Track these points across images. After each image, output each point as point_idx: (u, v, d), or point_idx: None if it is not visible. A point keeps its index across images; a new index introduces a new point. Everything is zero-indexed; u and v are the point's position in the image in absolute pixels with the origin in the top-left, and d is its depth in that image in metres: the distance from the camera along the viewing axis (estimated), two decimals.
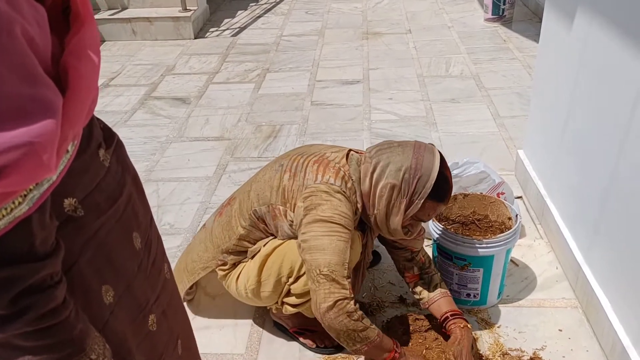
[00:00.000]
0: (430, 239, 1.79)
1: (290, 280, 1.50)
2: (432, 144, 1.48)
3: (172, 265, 1.79)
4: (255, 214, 1.51)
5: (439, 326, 1.64)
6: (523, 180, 2.34)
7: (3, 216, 0.50)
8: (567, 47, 1.84)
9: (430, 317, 1.68)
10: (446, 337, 1.59)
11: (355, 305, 1.37)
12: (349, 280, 1.38)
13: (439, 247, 1.74)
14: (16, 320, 0.54)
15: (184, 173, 2.60)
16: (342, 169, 1.46)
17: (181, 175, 2.58)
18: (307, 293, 1.47)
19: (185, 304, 1.82)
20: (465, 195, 1.83)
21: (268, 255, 1.51)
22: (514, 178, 2.41)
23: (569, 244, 1.84)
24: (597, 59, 1.64)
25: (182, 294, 1.68)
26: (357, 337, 1.37)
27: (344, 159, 1.49)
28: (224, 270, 1.60)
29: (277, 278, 1.51)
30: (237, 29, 4.66)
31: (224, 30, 4.65)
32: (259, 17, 4.97)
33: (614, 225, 1.55)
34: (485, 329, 1.70)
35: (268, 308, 1.68)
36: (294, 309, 1.55)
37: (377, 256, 1.98)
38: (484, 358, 1.60)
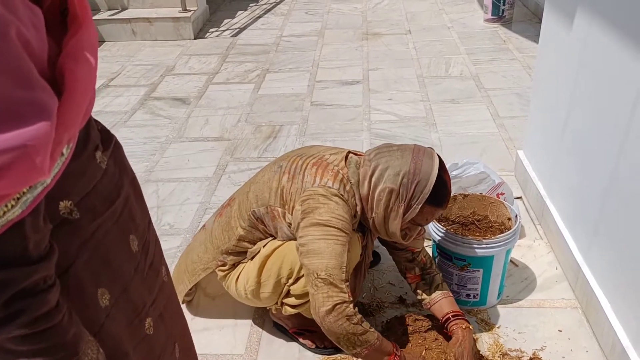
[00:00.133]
0: (430, 240, 1.79)
1: (290, 281, 1.50)
2: (431, 148, 1.48)
3: (172, 267, 1.80)
4: (254, 215, 1.51)
5: (439, 327, 1.63)
6: (523, 181, 2.33)
7: None
8: (567, 48, 1.84)
9: (430, 317, 1.67)
10: (447, 337, 1.59)
11: (354, 308, 1.37)
12: (347, 283, 1.38)
13: (438, 247, 1.74)
14: (8, 323, 0.54)
15: (184, 173, 2.60)
16: (340, 171, 1.46)
17: (181, 176, 2.58)
18: (306, 294, 1.47)
19: (184, 305, 1.82)
20: (465, 196, 1.83)
21: (268, 256, 1.51)
22: (514, 178, 2.41)
23: (568, 244, 1.84)
24: (597, 59, 1.64)
25: (182, 294, 1.68)
26: (356, 340, 1.37)
27: (343, 161, 1.49)
28: (223, 271, 1.60)
29: (277, 279, 1.51)
30: (237, 30, 4.66)
31: (224, 30, 4.65)
32: (259, 17, 4.97)
33: (614, 226, 1.55)
34: (485, 329, 1.70)
35: (268, 309, 1.67)
36: (294, 310, 1.55)
37: (377, 257, 1.98)
38: (483, 358, 1.59)
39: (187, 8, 4.43)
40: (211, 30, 4.65)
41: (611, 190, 1.55)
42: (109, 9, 4.52)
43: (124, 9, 4.53)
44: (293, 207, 1.45)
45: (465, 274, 1.70)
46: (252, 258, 1.55)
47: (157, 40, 4.42)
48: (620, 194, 1.50)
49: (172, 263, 1.88)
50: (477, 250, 1.63)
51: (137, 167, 2.63)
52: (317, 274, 1.35)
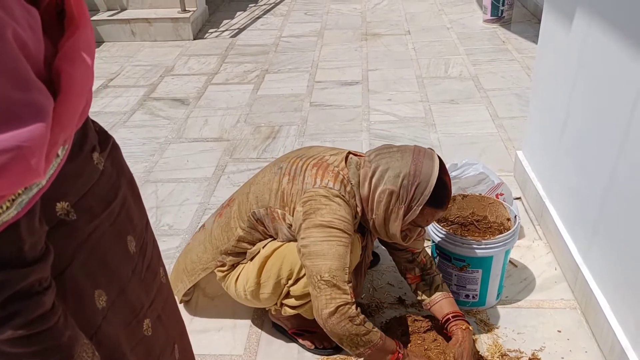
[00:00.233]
0: (430, 240, 1.79)
1: (290, 282, 1.50)
2: (431, 149, 1.48)
3: (171, 267, 1.80)
4: (254, 216, 1.51)
5: (438, 327, 1.63)
6: (522, 181, 2.33)
7: None
8: (566, 48, 1.84)
9: (429, 318, 1.67)
10: (447, 338, 1.59)
11: (356, 309, 1.37)
12: (350, 284, 1.38)
13: (438, 248, 1.74)
14: (3, 325, 0.54)
15: (183, 174, 2.60)
16: (341, 172, 1.46)
17: (180, 176, 2.58)
18: (306, 295, 1.47)
19: (182, 305, 1.82)
20: (464, 196, 1.83)
21: (267, 257, 1.51)
22: (513, 179, 2.41)
23: (567, 245, 1.84)
24: (596, 59, 1.64)
25: (181, 294, 1.68)
26: (359, 341, 1.37)
27: (343, 162, 1.49)
28: (222, 271, 1.60)
29: (277, 280, 1.51)
30: (236, 30, 4.66)
31: (223, 31, 4.65)
32: (258, 18, 4.97)
33: (613, 226, 1.55)
34: (484, 330, 1.70)
35: (267, 309, 1.67)
36: (293, 311, 1.55)
37: (376, 257, 1.98)
38: (482, 359, 1.59)
39: (187, 9, 4.43)
40: (210, 30, 4.65)
41: (610, 190, 1.55)
42: (108, 10, 4.52)
43: (123, 9, 4.53)
44: (294, 209, 1.45)
45: (465, 274, 1.70)
46: (251, 259, 1.55)
47: (156, 41, 4.42)
48: (620, 194, 1.50)
49: (170, 264, 1.88)
50: (476, 250, 1.63)
51: (136, 167, 2.63)
52: (320, 275, 1.35)
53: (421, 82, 3.46)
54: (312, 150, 1.58)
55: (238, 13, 5.10)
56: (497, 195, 1.95)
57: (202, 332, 1.73)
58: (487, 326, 1.71)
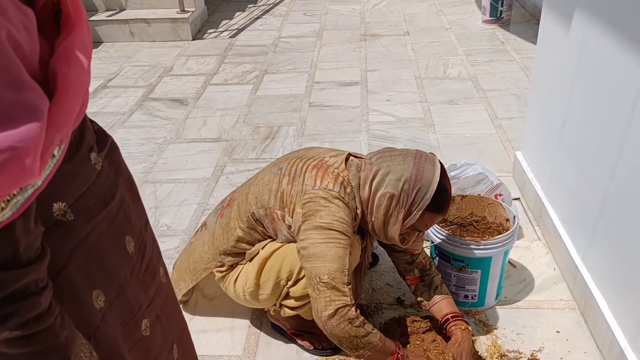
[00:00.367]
0: (429, 241, 1.78)
1: (289, 283, 1.50)
2: (433, 154, 1.48)
3: (169, 268, 1.80)
4: (253, 217, 1.51)
5: (437, 328, 1.63)
6: (521, 182, 2.33)
7: None
8: (565, 49, 1.84)
9: (428, 318, 1.67)
10: (446, 338, 1.59)
11: (356, 311, 1.37)
12: (350, 286, 1.37)
13: (437, 248, 1.74)
14: None
15: (182, 174, 2.59)
16: (341, 174, 1.46)
17: (179, 177, 2.57)
18: (305, 296, 1.47)
19: (181, 306, 1.82)
20: (463, 197, 1.83)
21: (267, 258, 1.51)
22: (512, 179, 2.41)
23: (566, 245, 1.84)
24: (595, 60, 1.64)
25: (181, 293, 1.69)
26: (359, 343, 1.37)
27: (343, 163, 1.49)
28: (221, 272, 1.60)
29: (276, 281, 1.50)
30: (235, 31, 4.65)
31: (222, 31, 4.65)
32: (257, 18, 4.97)
33: (612, 227, 1.55)
34: (483, 330, 1.70)
35: (266, 310, 1.67)
36: (293, 312, 1.54)
37: (375, 258, 1.98)
38: (481, 359, 1.59)
39: (185, 9, 4.43)
40: (209, 31, 4.65)
41: (609, 191, 1.55)
42: (107, 10, 4.51)
43: (121, 9, 4.52)
44: (293, 210, 1.44)
45: (464, 275, 1.70)
46: (250, 259, 1.55)
47: (155, 41, 4.42)
48: (619, 195, 1.50)
49: (169, 264, 1.87)
50: (475, 251, 1.63)
51: (135, 168, 2.63)
52: (319, 277, 1.35)
53: (420, 83, 3.46)
54: (312, 151, 1.58)
55: (237, 13, 5.10)
56: (496, 196, 1.95)
57: (201, 332, 1.73)
58: (486, 327, 1.71)
